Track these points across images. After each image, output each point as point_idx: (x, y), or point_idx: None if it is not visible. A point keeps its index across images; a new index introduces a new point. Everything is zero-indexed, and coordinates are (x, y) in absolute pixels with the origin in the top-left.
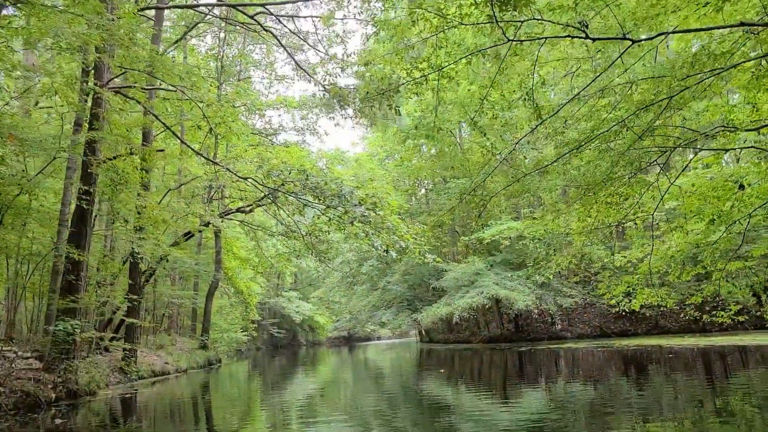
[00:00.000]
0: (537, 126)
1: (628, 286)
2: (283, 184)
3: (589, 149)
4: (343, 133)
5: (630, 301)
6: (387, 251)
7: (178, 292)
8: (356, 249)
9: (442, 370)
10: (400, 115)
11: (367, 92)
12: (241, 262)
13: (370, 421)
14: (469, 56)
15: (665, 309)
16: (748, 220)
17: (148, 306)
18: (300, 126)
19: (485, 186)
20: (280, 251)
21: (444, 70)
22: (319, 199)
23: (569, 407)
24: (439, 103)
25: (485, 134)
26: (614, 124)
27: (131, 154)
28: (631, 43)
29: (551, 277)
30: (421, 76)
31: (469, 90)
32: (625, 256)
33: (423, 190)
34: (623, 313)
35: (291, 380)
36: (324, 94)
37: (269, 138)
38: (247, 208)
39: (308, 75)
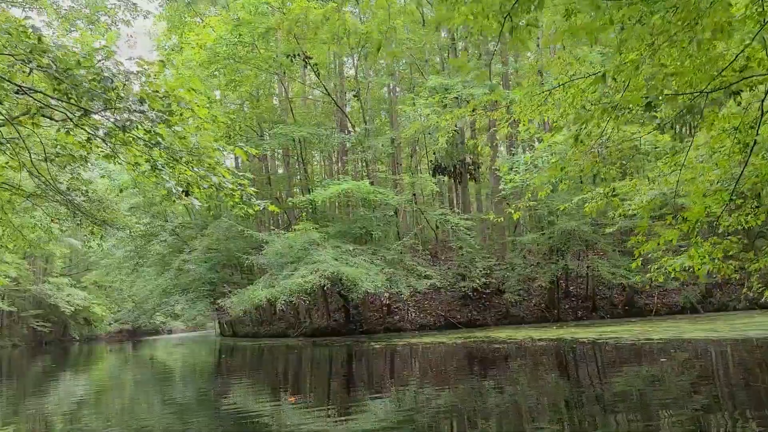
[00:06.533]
0: None
1: (690, 227)
2: None
3: None
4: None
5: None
6: (187, 193)
7: None
8: (145, 222)
9: (292, 399)
10: None
11: None
12: None
13: None
14: None
15: (519, 297)
16: None
17: None
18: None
19: None
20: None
21: None
22: (68, 96)
23: (419, 416)
24: None
25: None
26: None
27: None
28: None
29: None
30: None
31: None
32: (648, 178)
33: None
34: (469, 301)
35: (54, 385)
36: None
37: None
38: None
39: None
